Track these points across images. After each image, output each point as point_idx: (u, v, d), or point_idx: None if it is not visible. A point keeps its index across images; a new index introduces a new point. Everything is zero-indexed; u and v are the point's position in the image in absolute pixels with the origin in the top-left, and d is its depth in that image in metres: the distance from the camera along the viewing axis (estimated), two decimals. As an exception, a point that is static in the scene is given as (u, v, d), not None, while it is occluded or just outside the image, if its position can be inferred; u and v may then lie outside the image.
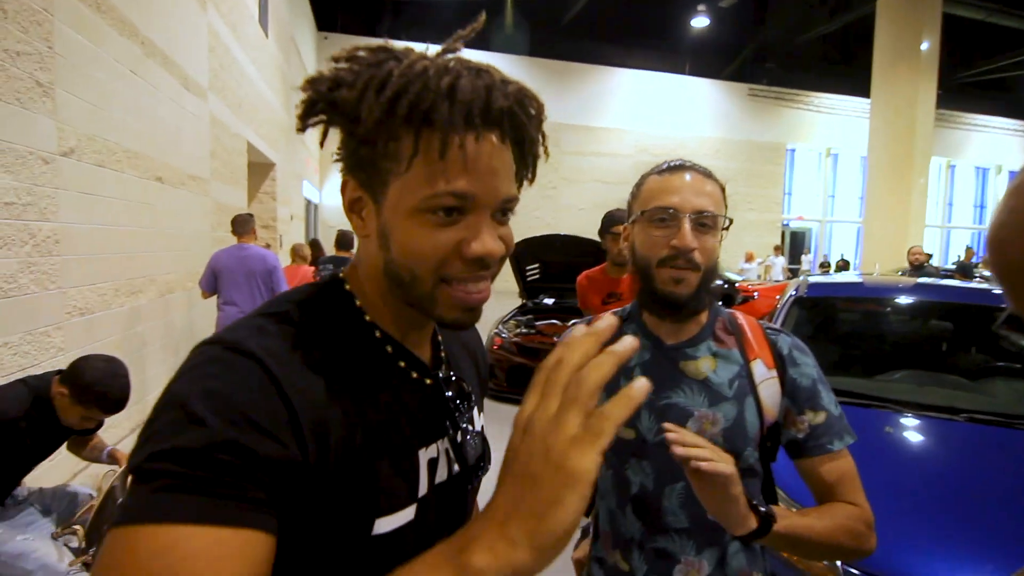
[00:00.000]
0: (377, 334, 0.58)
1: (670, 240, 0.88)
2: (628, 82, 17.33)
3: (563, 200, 16.57)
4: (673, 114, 17.52)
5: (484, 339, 5.49)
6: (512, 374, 5.18)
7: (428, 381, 0.61)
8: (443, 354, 0.67)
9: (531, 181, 0.57)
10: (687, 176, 0.92)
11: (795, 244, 19.64)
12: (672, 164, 0.95)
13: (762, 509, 0.79)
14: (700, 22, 15.76)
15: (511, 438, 0.41)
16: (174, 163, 4.16)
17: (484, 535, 0.38)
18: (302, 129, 0.54)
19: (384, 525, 0.53)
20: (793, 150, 19.43)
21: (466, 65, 0.51)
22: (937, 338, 2.70)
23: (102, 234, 3.08)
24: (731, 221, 0.94)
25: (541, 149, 0.56)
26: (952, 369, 2.50)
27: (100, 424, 2.02)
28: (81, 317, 2.86)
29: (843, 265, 13.74)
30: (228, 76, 5.76)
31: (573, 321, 5.06)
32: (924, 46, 12.57)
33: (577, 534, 1.10)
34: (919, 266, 7.56)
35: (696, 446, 0.74)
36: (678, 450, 0.73)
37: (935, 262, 15.62)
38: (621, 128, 17.17)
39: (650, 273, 0.91)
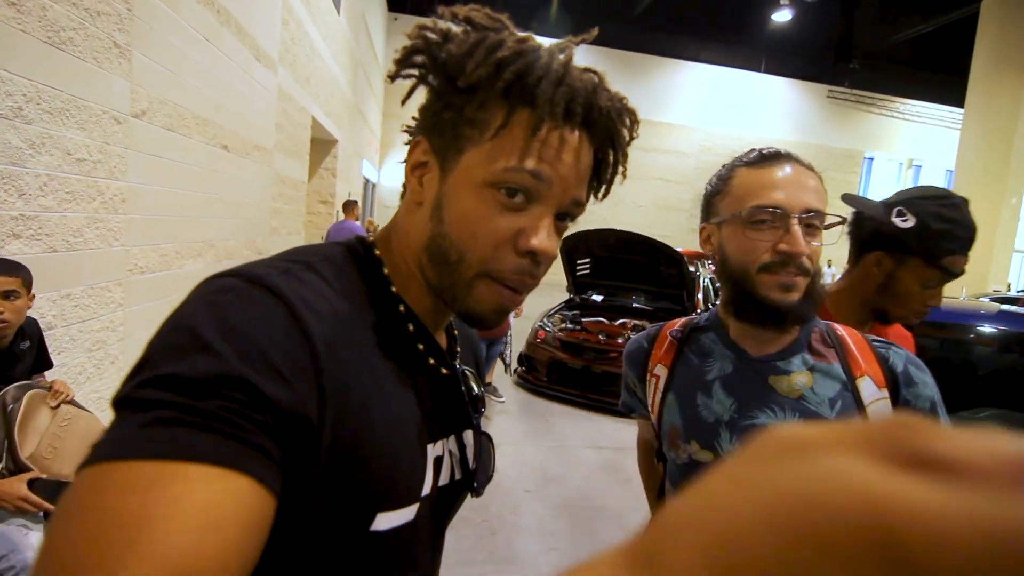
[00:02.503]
0: (401, 308, 0.53)
1: (776, 244, 0.77)
2: (698, 77, 16.73)
3: (620, 195, 16.16)
4: (743, 113, 16.81)
5: (528, 332, 5.44)
6: (553, 369, 5.08)
7: (444, 371, 0.56)
8: (458, 347, 0.63)
9: (603, 196, 0.56)
10: (788, 168, 0.79)
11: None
12: (767, 152, 0.82)
13: None
14: (782, 16, 14.97)
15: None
16: (241, 132, 4.25)
17: None
18: (393, 78, 0.53)
19: (384, 521, 0.47)
20: (871, 159, 18.31)
21: (574, 62, 0.51)
22: (1033, 375, 2.42)
23: (167, 196, 3.16)
24: (844, 220, 0.82)
25: (621, 168, 0.55)
26: (1050, 412, 2.23)
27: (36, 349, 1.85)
28: (141, 275, 2.95)
29: None
30: (298, 50, 5.85)
31: (620, 320, 4.81)
32: (1033, 53, 11.51)
33: None
34: None
35: None
36: None
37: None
38: (686, 125, 16.62)
39: (750, 279, 0.79)
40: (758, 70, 17.07)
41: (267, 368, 0.37)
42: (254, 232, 4.85)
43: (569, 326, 5.42)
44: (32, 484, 1.53)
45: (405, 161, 0.56)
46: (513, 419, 4.53)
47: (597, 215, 15.50)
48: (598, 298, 6.00)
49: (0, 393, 1.61)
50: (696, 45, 16.64)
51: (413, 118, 0.56)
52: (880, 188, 18.62)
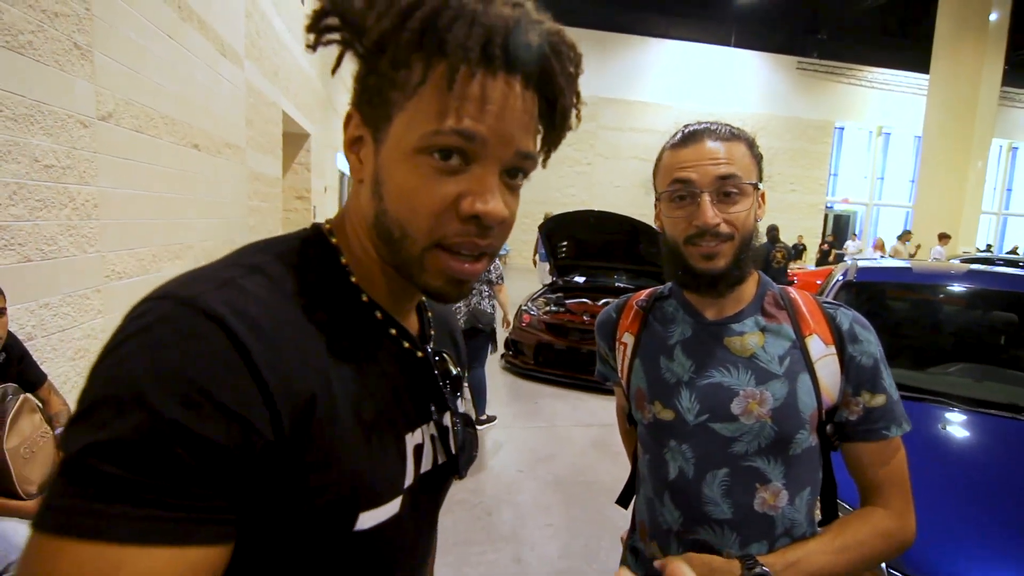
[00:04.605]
0: (364, 298, 0.51)
1: (692, 219, 0.83)
2: (670, 54, 16.74)
3: (598, 176, 16.25)
4: (716, 88, 16.89)
5: (512, 314, 5.48)
6: (539, 352, 5.14)
7: (419, 354, 0.55)
8: (431, 331, 0.61)
9: (554, 146, 0.49)
10: (703, 144, 0.84)
11: (838, 228, 18.92)
12: (688, 132, 0.87)
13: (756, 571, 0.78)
14: (749, -9, 15.02)
15: None
16: (211, 131, 4.18)
17: None
18: (312, 47, 0.47)
19: (368, 520, 0.46)
20: (842, 128, 18.58)
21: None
22: (997, 330, 2.52)
23: (140, 200, 3.11)
24: (756, 184, 0.84)
25: (573, 111, 0.48)
26: (1014, 364, 2.34)
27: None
28: (120, 281, 2.92)
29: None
30: (265, 43, 5.74)
31: (603, 300, 4.93)
32: (993, 17, 11.75)
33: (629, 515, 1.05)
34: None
35: None
36: None
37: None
38: (660, 103, 16.66)
39: (680, 251, 0.86)
40: (728, 44, 17.13)
41: (210, 408, 0.36)
42: (232, 231, 4.79)
43: (553, 308, 5.47)
44: None
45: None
46: (503, 402, 4.59)
47: (575, 197, 15.55)
48: (581, 280, 6.05)
49: (2, 387, 1.69)
50: (666, 21, 16.63)
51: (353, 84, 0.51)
52: (851, 157, 18.92)
